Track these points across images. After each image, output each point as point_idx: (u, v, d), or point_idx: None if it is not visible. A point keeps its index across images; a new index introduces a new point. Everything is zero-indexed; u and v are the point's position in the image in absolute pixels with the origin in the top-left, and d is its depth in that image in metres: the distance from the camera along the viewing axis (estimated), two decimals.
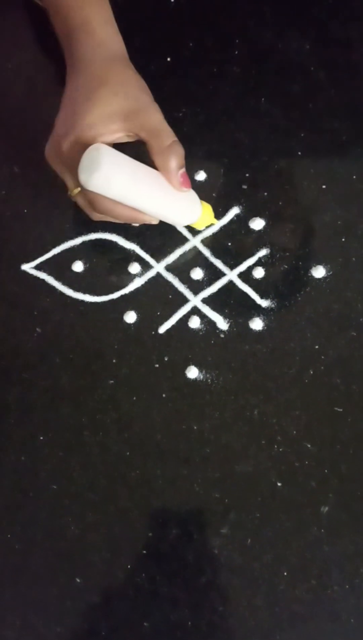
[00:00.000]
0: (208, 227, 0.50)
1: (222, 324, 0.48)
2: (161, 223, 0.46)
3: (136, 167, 0.42)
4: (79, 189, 0.43)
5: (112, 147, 0.42)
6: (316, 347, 0.47)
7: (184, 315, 0.48)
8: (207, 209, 0.48)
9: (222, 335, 0.48)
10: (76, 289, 0.49)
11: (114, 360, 0.47)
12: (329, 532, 0.43)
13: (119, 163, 0.41)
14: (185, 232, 0.51)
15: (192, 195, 0.45)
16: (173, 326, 0.48)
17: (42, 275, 0.50)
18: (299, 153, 0.52)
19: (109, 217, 0.45)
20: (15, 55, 0.57)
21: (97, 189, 0.41)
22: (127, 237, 0.51)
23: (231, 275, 0.49)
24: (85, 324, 0.49)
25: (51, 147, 0.44)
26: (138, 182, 0.42)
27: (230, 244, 0.50)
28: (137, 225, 0.49)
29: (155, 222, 0.45)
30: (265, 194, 0.51)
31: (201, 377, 0.47)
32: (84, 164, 0.41)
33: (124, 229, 0.51)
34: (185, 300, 0.49)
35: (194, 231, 0.50)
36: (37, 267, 0.50)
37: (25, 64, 0.56)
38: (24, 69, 0.56)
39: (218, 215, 0.51)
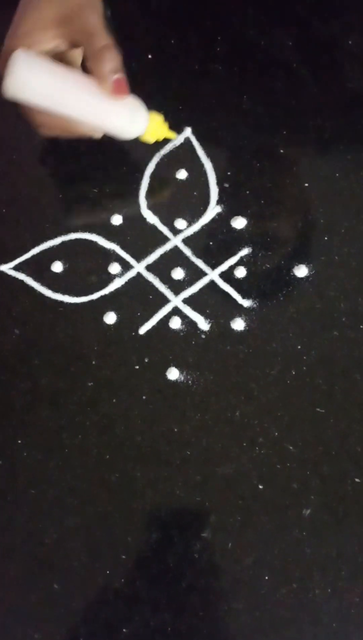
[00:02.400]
0: (162, 141, 0.49)
1: (203, 324, 0.47)
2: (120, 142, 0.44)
3: (60, 72, 0.41)
4: None
5: (44, 55, 0.41)
6: (299, 347, 0.46)
7: (165, 316, 0.48)
8: (156, 121, 0.46)
9: (203, 336, 0.47)
10: (55, 289, 0.49)
11: (93, 362, 0.47)
12: (311, 535, 0.42)
13: (36, 67, 0.40)
14: (166, 232, 0.50)
15: (134, 103, 0.43)
16: (153, 327, 0.47)
17: (21, 276, 0.49)
18: (281, 151, 0.52)
19: (52, 131, 0.44)
20: None
21: (15, 95, 0.41)
22: (108, 237, 0.50)
23: (213, 275, 0.49)
24: (64, 325, 0.48)
25: (1, 58, 0.43)
26: (62, 87, 0.41)
27: (211, 243, 0.49)
28: (81, 138, 0.46)
29: (97, 135, 0.44)
30: (247, 192, 0.50)
31: (182, 378, 0.46)
32: (6, 70, 0.40)
33: (105, 229, 0.50)
34: (166, 301, 0.48)
35: (175, 230, 0.50)
36: (16, 268, 0.49)
37: None
38: None
39: (200, 214, 0.50)
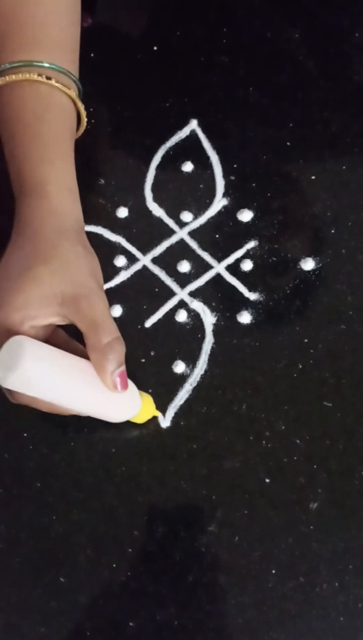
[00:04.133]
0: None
1: (210, 317, 0.47)
2: None
3: (62, 364, 0.37)
4: None
5: (39, 335, 0.37)
6: (306, 340, 0.46)
7: (171, 309, 0.47)
8: (147, 402, 0.43)
9: (210, 329, 0.47)
10: None
11: None
12: (318, 529, 0.42)
13: (43, 361, 0.35)
14: (172, 225, 0.50)
15: (130, 391, 0.40)
16: (159, 320, 0.47)
17: None
18: (288, 144, 0.51)
19: (33, 406, 0.39)
20: None
21: (16, 388, 0.36)
22: (113, 230, 0.50)
23: (219, 267, 0.48)
24: None
25: None
26: (64, 382, 0.36)
27: (217, 236, 0.49)
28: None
29: (84, 414, 0.40)
30: (253, 185, 0.50)
31: (188, 371, 0.46)
32: (3, 357, 0.35)
33: (110, 222, 0.50)
34: (172, 294, 0.48)
35: (181, 223, 0.50)
36: None
37: None
38: None
39: (206, 207, 0.50)
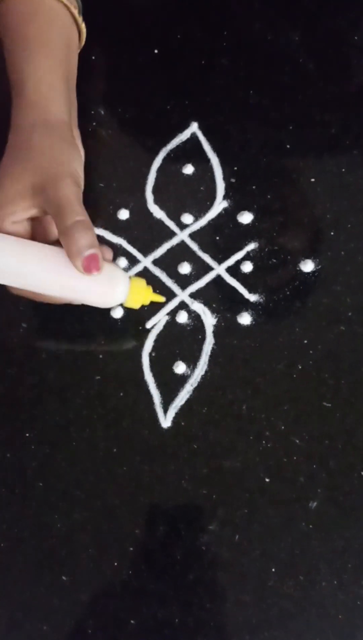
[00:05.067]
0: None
1: (210, 318, 0.47)
2: None
3: (33, 253, 0.40)
4: None
5: (20, 225, 0.41)
6: (305, 341, 0.47)
7: (172, 310, 0.48)
8: (138, 286, 0.43)
9: (210, 330, 0.47)
10: None
11: (100, 356, 0.47)
12: (318, 528, 0.43)
13: (5, 253, 0.40)
14: (173, 227, 0.50)
15: (112, 274, 0.41)
16: (160, 321, 0.48)
17: None
18: (288, 146, 0.52)
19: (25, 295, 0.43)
20: None
21: None
22: (114, 232, 0.50)
23: (219, 269, 0.49)
24: (71, 320, 0.48)
25: None
26: (33, 269, 0.40)
27: (218, 238, 0.49)
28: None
29: (73, 302, 0.43)
30: (254, 187, 0.50)
31: (189, 372, 0.46)
32: None
33: (111, 224, 0.50)
34: (173, 295, 0.48)
35: (181, 225, 0.50)
36: None
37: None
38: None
39: (206, 209, 0.50)
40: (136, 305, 0.44)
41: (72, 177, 0.40)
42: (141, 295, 0.43)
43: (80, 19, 0.46)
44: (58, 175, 0.40)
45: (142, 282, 0.43)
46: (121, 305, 0.44)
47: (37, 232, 0.42)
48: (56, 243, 0.41)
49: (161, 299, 0.46)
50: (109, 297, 0.42)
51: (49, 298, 0.42)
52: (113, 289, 0.42)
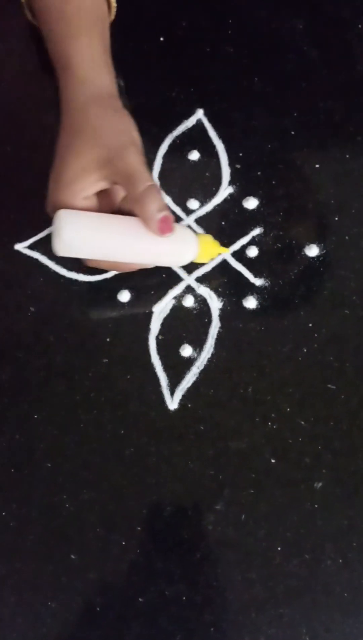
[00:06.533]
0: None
1: (216, 302, 0.48)
2: None
3: (107, 224, 0.42)
4: None
5: (90, 200, 0.43)
6: (310, 325, 0.47)
7: (178, 295, 0.48)
8: (206, 242, 0.46)
9: (216, 314, 0.48)
10: (70, 268, 0.49)
11: (108, 339, 0.47)
12: (323, 507, 0.43)
13: (80, 226, 0.42)
14: (179, 212, 0.51)
15: (182, 233, 0.44)
16: (166, 305, 0.48)
17: (35, 254, 0.50)
18: (292, 132, 0.52)
19: (105, 268, 0.46)
20: (7, 35, 0.56)
21: (66, 254, 0.43)
22: None
23: (225, 254, 0.49)
24: (79, 303, 0.48)
25: (48, 206, 0.44)
26: (109, 239, 0.42)
27: (223, 223, 0.50)
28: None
29: (150, 266, 0.45)
30: (259, 173, 0.51)
31: (195, 355, 0.47)
32: (53, 231, 0.42)
33: None
34: (179, 279, 0.49)
35: (187, 210, 0.50)
36: (31, 247, 0.50)
37: (17, 43, 0.56)
38: (15, 48, 0.56)
39: (212, 195, 0.51)
40: (206, 259, 0.47)
41: (135, 145, 0.42)
42: (210, 249, 0.46)
43: None
44: (122, 146, 0.42)
45: (209, 237, 0.46)
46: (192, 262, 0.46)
47: (101, 204, 0.44)
48: (118, 211, 0.43)
49: (226, 250, 0.48)
50: (182, 256, 0.45)
51: (125, 266, 0.45)
52: (186, 247, 0.44)
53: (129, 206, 0.42)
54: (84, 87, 0.44)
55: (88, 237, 0.42)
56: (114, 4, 0.50)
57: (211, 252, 0.46)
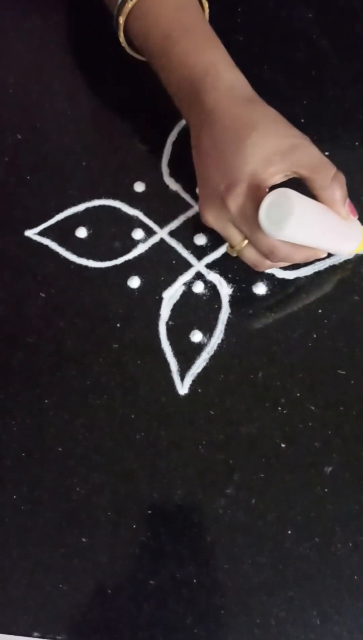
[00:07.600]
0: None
1: (226, 288, 0.48)
2: None
3: (317, 207, 0.41)
4: (246, 241, 0.43)
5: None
6: (320, 311, 0.47)
7: (188, 280, 0.49)
8: None
9: (226, 300, 0.48)
10: (80, 254, 0.50)
11: (118, 325, 0.48)
12: (333, 492, 0.43)
13: (307, 206, 0.40)
14: (188, 199, 0.51)
15: (356, 221, 0.45)
16: (176, 291, 0.48)
17: (45, 241, 0.50)
18: (302, 120, 0.52)
19: (281, 264, 0.44)
20: (22, 22, 0.56)
21: (289, 236, 0.40)
22: (131, 204, 0.51)
23: None
24: (89, 289, 0.49)
25: (210, 209, 0.43)
26: (320, 222, 0.41)
27: None
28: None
29: (324, 255, 0.45)
30: None
31: (205, 340, 0.47)
32: (272, 213, 0.39)
33: (128, 196, 0.51)
34: (189, 266, 0.49)
35: (197, 197, 0.51)
36: (41, 233, 0.50)
37: (31, 31, 0.56)
38: (29, 36, 0.56)
39: None
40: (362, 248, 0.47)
41: (305, 136, 0.43)
42: None
43: None
44: (300, 137, 0.43)
45: None
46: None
47: None
48: None
49: None
50: (357, 240, 0.45)
51: (314, 254, 0.44)
52: (358, 234, 0.45)
53: (315, 193, 0.42)
54: (240, 90, 0.44)
55: (314, 217, 0.41)
56: (206, 3, 0.49)
57: None
